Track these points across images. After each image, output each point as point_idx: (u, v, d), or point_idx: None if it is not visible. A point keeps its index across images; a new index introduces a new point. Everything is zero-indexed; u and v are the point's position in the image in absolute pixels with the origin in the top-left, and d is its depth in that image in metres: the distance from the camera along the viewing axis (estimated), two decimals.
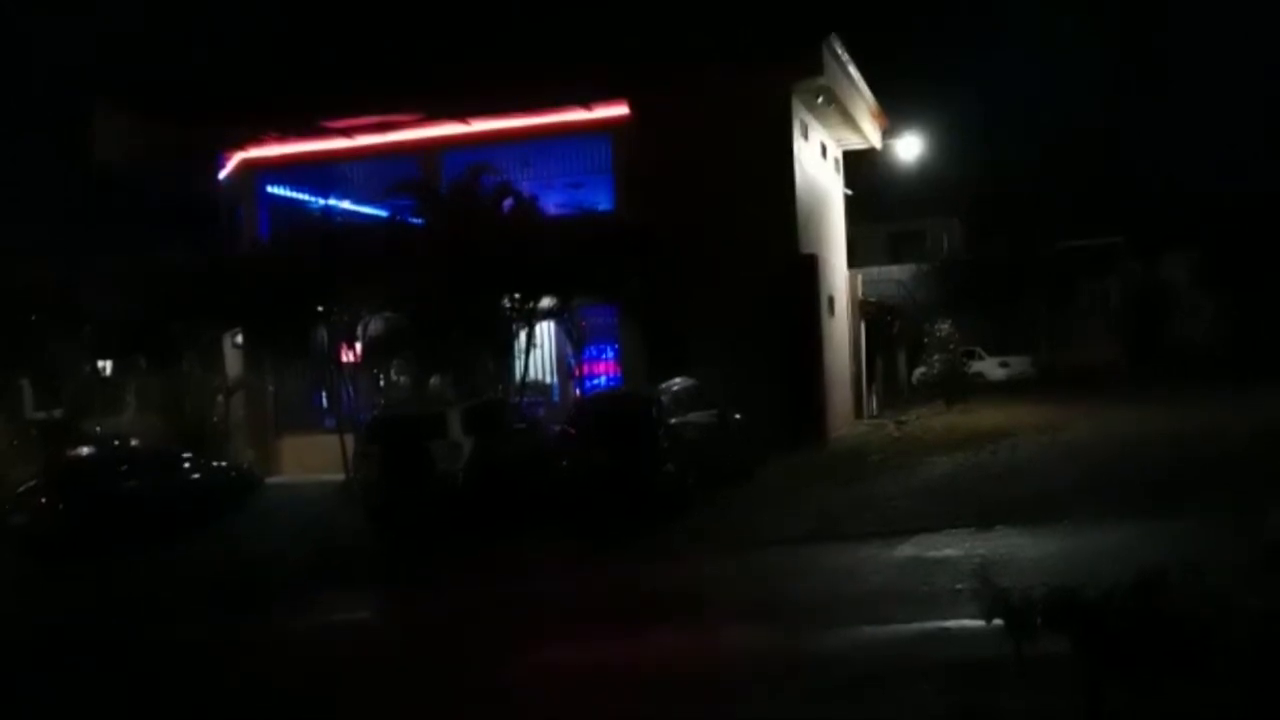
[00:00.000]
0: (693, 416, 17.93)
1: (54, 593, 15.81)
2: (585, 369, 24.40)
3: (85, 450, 22.62)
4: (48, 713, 9.95)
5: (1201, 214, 40.05)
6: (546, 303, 21.96)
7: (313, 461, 23.50)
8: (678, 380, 18.86)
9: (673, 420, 17.30)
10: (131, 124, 25.77)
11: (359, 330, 22.58)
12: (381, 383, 24.44)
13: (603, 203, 24.61)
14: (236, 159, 26.46)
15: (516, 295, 21.56)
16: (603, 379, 25.01)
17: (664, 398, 17.80)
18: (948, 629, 9.01)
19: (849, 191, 30.29)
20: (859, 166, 31.52)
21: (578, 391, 23.93)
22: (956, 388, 29.82)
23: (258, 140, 25.88)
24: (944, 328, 30.98)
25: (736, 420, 19.38)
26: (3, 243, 22.02)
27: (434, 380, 22.61)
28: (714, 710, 8.02)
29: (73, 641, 12.66)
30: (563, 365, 24.97)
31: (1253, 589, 6.24)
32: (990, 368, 37.92)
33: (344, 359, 22.93)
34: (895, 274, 39.64)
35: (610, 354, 24.90)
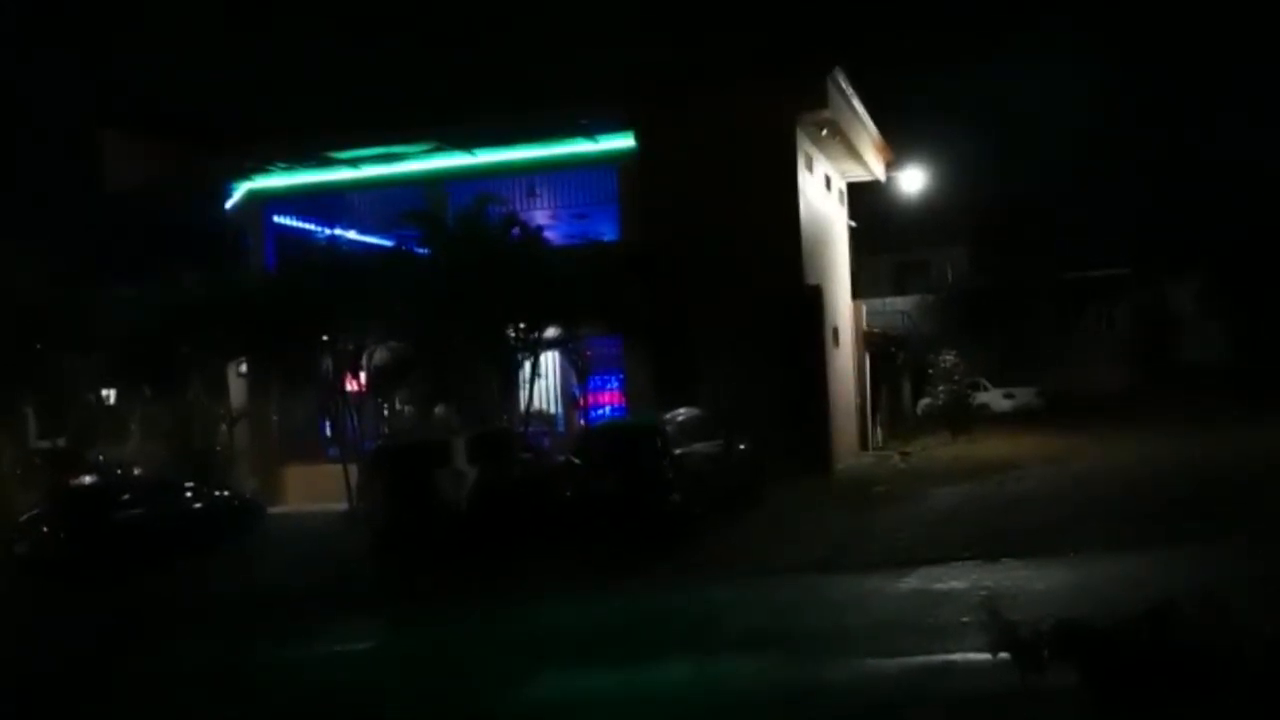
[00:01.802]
0: (698, 446, 17.90)
1: (51, 621, 15.75)
2: (590, 399, 24.40)
3: (88, 479, 22.66)
4: None
5: (1207, 241, 40.12)
6: (552, 332, 21.98)
7: (317, 491, 23.48)
8: (683, 410, 18.84)
9: (678, 450, 17.26)
10: (141, 152, 25.95)
11: (364, 359, 22.61)
12: (386, 412, 24.45)
13: (608, 233, 24.72)
14: (244, 189, 26.61)
15: (522, 325, 21.58)
16: (608, 409, 25.01)
17: (669, 427, 17.77)
18: (953, 661, 8.94)
19: (853, 223, 30.39)
20: (863, 198, 31.63)
21: (583, 421, 23.91)
22: (962, 419, 29.77)
23: (265, 170, 26.04)
24: (949, 358, 30.96)
25: (742, 450, 19.34)
26: (10, 267, 22.10)
27: (439, 409, 22.62)
28: None
29: (64, 670, 12.59)
30: (568, 395, 24.98)
31: (1263, 616, 6.20)
32: (995, 399, 37.85)
33: (349, 388, 22.94)
34: (900, 305, 39.70)
35: (615, 384, 24.91)
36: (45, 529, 18.18)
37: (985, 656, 6.51)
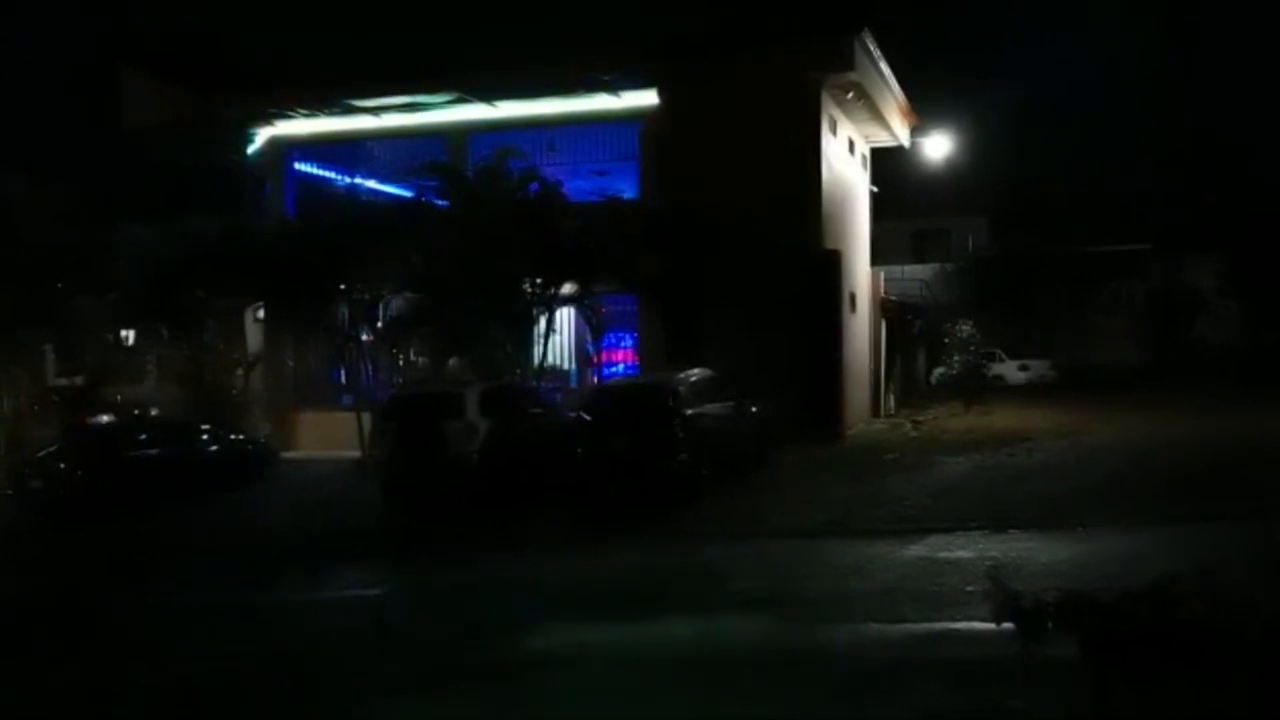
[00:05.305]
0: (709, 407, 17.91)
1: (66, 557, 15.95)
2: (603, 356, 24.43)
3: (105, 417, 22.83)
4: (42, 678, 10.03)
5: (1228, 219, 39.69)
6: (567, 288, 21.98)
7: (329, 438, 23.65)
8: (695, 370, 18.84)
9: (689, 410, 17.29)
10: (161, 94, 25.89)
11: (380, 308, 22.66)
12: (400, 362, 24.54)
13: (628, 190, 24.60)
14: (265, 134, 26.57)
15: (538, 280, 21.58)
16: (620, 367, 25.04)
17: (681, 387, 17.78)
18: (957, 629, 8.99)
19: (875, 189, 30.18)
20: (886, 163, 31.39)
21: (595, 378, 23.95)
22: (975, 389, 29.69)
23: (286, 116, 25.98)
24: (965, 328, 30.83)
25: (753, 412, 19.35)
26: (31, 206, 22.15)
27: (452, 361, 22.68)
28: (719, 699, 8.03)
29: (75, 604, 12.76)
30: (581, 351, 25.00)
31: (1267, 595, 6.20)
32: (1010, 370, 37.75)
33: (364, 337, 23.00)
34: (918, 273, 39.50)
35: (629, 342, 24.92)
36: (62, 465, 18.37)
37: (989, 625, 6.53)
